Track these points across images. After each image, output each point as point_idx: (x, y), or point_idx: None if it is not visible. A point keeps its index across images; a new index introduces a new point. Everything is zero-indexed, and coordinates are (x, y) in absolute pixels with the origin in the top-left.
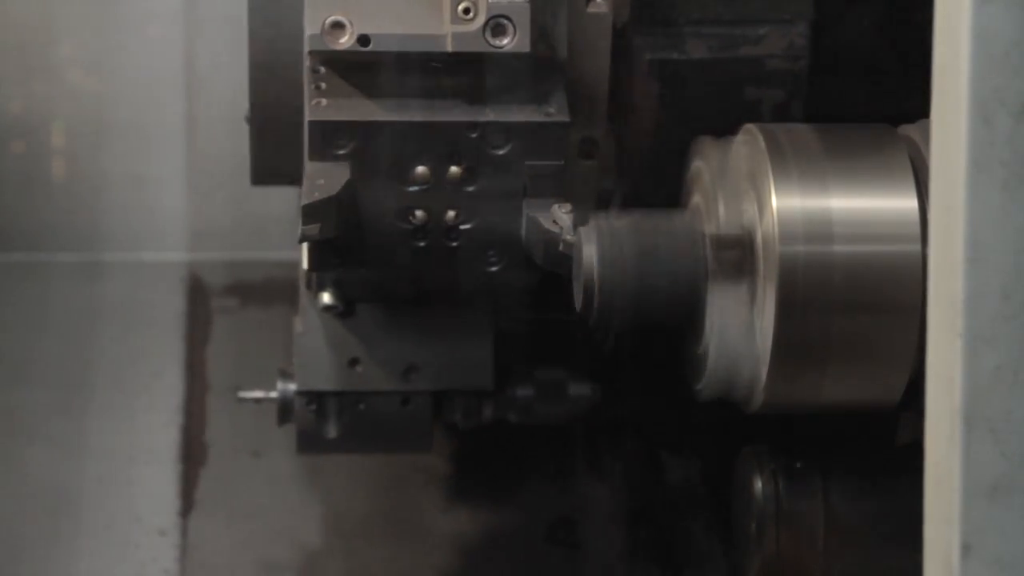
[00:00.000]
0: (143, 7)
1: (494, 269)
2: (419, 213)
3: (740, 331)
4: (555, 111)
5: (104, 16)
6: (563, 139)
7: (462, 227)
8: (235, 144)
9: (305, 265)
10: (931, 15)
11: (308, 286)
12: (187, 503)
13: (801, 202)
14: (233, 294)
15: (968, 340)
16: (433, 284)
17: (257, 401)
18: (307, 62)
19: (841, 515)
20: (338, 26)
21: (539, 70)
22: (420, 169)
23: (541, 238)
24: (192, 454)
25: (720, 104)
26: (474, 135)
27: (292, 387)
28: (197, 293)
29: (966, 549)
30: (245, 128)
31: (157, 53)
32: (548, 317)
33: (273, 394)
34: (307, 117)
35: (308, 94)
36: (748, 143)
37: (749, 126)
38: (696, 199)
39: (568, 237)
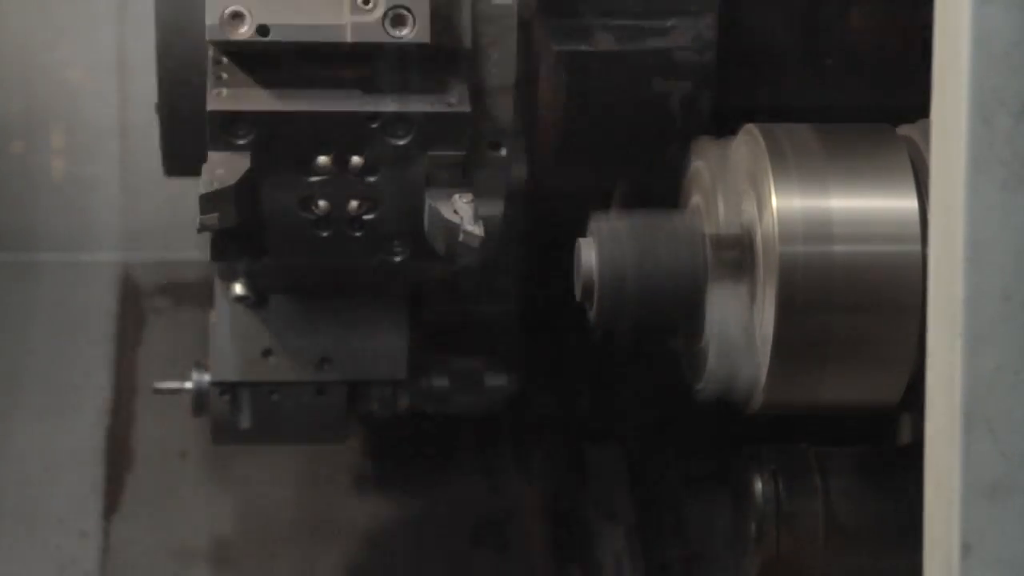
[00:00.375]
0: (78, 7)
1: (398, 259)
2: (322, 203)
3: (740, 331)
4: (456, 101)
5: (40, 15)
6: (465, 129)
7: (365, 217)
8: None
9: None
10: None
11: (221, 277)
12: (110, 505)
13: (801, 202)
14: (166, 294)
15: (968, 340)
16: (340, 274)
17: (172, 392)
18: (208, 52)
19: (841, 515)
20: (237, 16)
21: (440, 60)
22: (321, 159)
23: (442, 228)
24: (118, 456)
25: (628, 96)
26: (375, 125)
27: (207, 378)
28: (130, 293)
29: (966, 549)
30: None
31: (91, 51)
32: (474, 308)
33: (188, 385)
34: (207, 107)
35: (209, 84)
36: (748, 143)
37: (749, 126)
38: (696, 199)
39: (468, 228)
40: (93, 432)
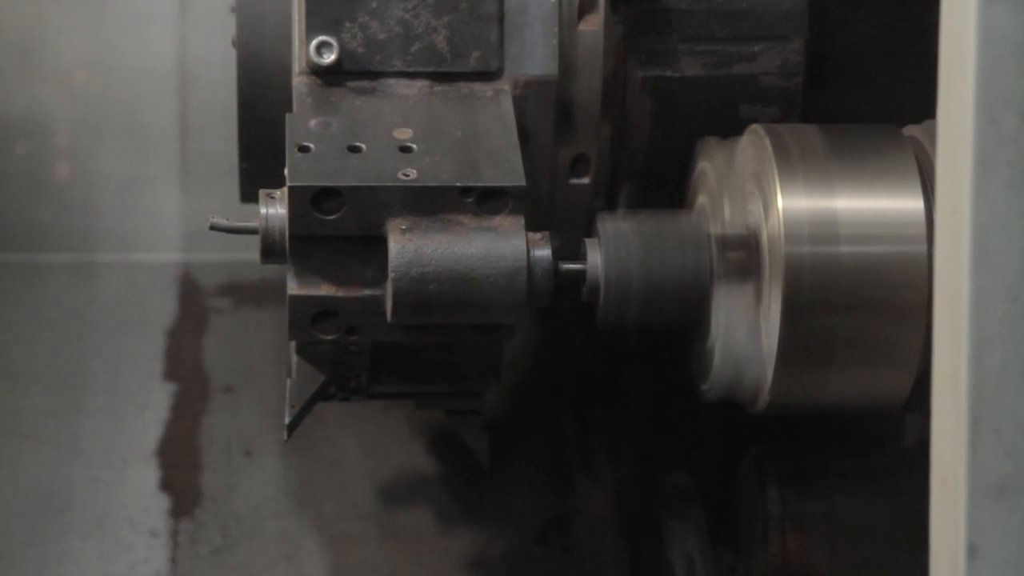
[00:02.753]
0: (139, 8)
1: None
2: None
3: (746, 332)
4: None
5: (100, 16)
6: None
7: None
8: (228, 144)
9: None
10: (930, 19)
11: None
12: (178, 504)
13: (807, 203)
14: (227, 295)
15: (974, 341)
16: None
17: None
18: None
19: (847, 516)
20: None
21: None
22: None
23: None
24: (183, 456)
25: (715, 122)
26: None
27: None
28: (190, 294)
29: (972, 550)
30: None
31: (151, 53)
32: None
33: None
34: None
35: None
36: (754, 143)
37: (755, 126)
38: (702, 200)
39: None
40: (157, 432)
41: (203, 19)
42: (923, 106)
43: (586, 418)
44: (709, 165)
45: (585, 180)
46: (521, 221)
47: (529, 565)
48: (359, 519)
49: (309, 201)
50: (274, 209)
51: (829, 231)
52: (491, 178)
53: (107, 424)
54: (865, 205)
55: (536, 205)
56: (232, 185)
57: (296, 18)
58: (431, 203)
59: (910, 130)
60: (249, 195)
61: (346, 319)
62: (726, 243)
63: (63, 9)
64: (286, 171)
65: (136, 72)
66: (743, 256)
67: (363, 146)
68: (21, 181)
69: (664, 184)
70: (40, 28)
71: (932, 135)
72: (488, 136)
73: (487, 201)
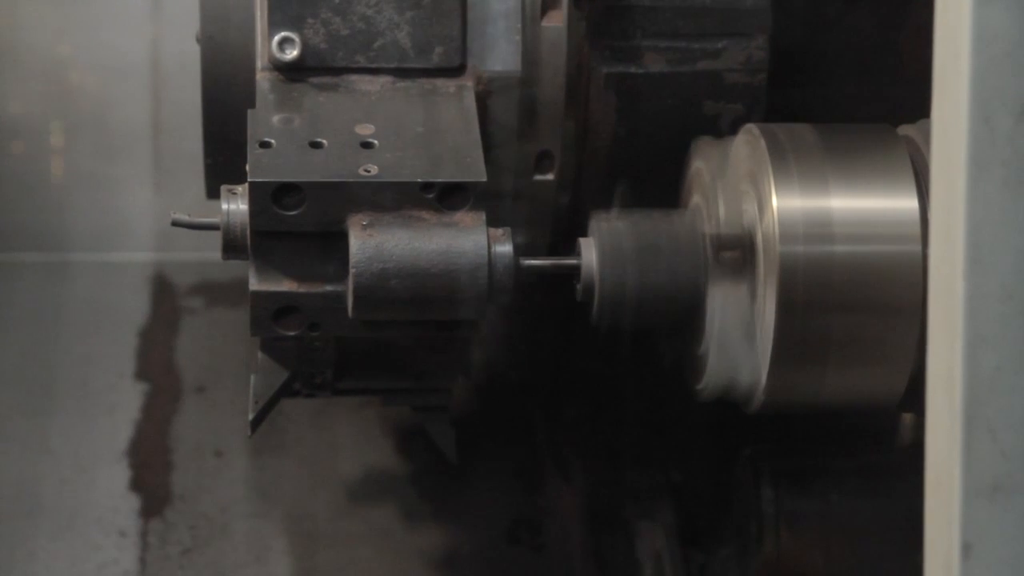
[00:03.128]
0: (111, 6)
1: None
2: None
3: (740, 331)
4: None
5: (72, 14)
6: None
7: None
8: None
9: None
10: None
11: None
12: (148, 504)
13: (801, 202)
14: (199, 294)
15: (968, 340)
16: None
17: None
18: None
19: (842, 516)
20: None
21: None
22: None
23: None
24: (154, 455)
25: (679, 118)
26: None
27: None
28: (163, 293)
29: (967, 549)
30: None
31: (123, 51)
32: None
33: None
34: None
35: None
36: (749, 143)
37: (749, 126)
38: (696, 199)
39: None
40: (128, 432)
41: (176, 17)
42: (886, 104)
43: (557, 416)
44: (704, 164)
45: (550, 176)
46: (482, 217)
47: (499, 564)
48: (329, 519)
49: (270, 197)
50: (235, 205)
51: (824, 231)
52: (452, 174)
53: (77, 424)
54: (860, 204)
55: (500, 201)
56: (204, 185)
57: (259, 14)
58: (392, 199)
59: (904, 130)
60: (214, 191)
61: (308, 315)
62: (721, 242)
63: (35, 7)
64: (247, 167)
65: (108, 70)
66: (738, 255)
67: (324, 142)
68: None
69: (629, 180)
70: (12, 26)
71: (926, 135)
72: (450, 132)
73: (448, 197)
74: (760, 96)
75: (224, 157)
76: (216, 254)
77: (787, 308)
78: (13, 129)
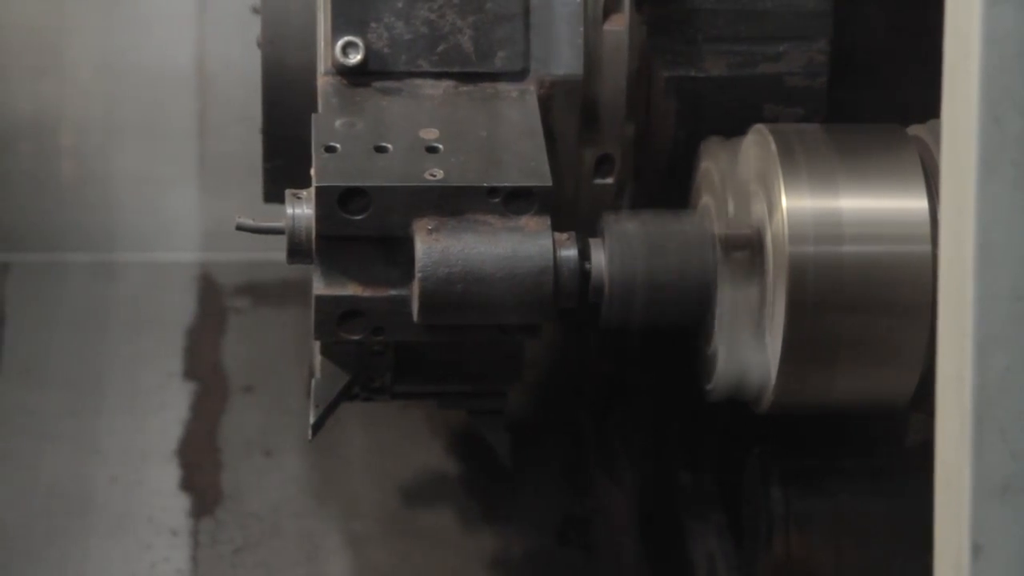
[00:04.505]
0: (157, 7)
1: None
2: None
3: (750, 332)
4: None
5: (119, 16)
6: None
7: None
8: (247, 144)
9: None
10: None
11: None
12: (199, 504)
13: (811, 202)
14: (246, 294)
15: (978, 340)
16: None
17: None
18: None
19: (851, 516)
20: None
21: None
22: None
23: None
24: (204, 455)
25: (739, 122)
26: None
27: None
28: (209, 293)
29: (976, 549)
30: (255, 126)
31: (170, 53)
32: None
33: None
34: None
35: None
36: (758, 143)
37: (759, 126)
38: (706, 199)
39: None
40: (177, 431)
41: (221, 19)
42: (931, 104)
43: (606, 418)
44: (713, 165)
45: (609, 180)
46: (547, 221)
47: (550, 565)
48: (379, 519)
49: (336, 201)
50: (301, 209)
51: (833, 231)
52: (517, 178)
53: (126, 423)
54: (869, 205)
55: (561, 205)
56: (251, 184)
57: (321, 18)
58: (457, 203)
59: (914, 130)
60: (273, 195)
61: (372, 319)
62: (730, 242)
63: (82, 9)
64: (312, 171)
65: (155, 72)
66: (747, 256)
67: (389, 146)
68: (41, 181)
69: (689, 185)
70: (59, 28)
71: (936, 135)
72: (514, 136)
73: (513, 201)
74: (820, 99)
75: (283, 161)
76: (262, 254)
77: (797, 308)
78: (61, 129)
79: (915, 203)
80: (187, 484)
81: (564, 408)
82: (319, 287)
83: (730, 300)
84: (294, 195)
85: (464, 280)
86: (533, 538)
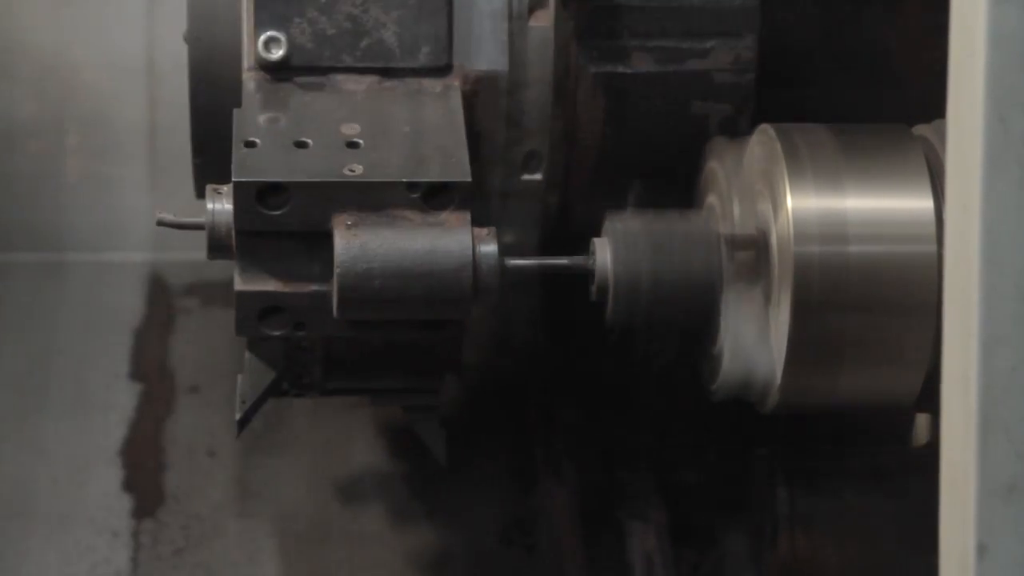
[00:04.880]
0: (107, 5)
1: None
2: None
3: (755, 331)
4: None
5: (68, 14)
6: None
7: None
8: None
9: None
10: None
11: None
12: (141, 505)
13: (816, 202)
14: (195, 294)
15: (984, 340)
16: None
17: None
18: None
19: (856, 516)
20: None
21: None
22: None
23: None
24: (148, 455)
25: (666, 118)
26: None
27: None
28: (158, 293)
29: (982, 550)
30: None
31: (119, 50)
32: None
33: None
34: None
35: None
36: (763, 143)
37: (764, 126)
38: (711, 199)
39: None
40: (122, 432)
41: (171, 16)
42: (873, 104)
43: (551, 418)
44: (718, 165)
45: (537, 176)
46: (467, 216)
47: (492, 565)
48: (321, 519)
49: (254, 196)
50: (220, 204)
51: (838, 231)
52: (437, 174)
53: (71, 424)
54: (875, 205)
55: (487, 201)
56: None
57: (245, 14)
58: (377, 198)
59: (920, 129)
60: (203, 191)
61: (293, 315)
62: (735, 243)
63: (30, 6)
64: (232, 167)
65: (104, 70)
66: (752, 256)
67: (310, 141)
68: None
69: (617, 181)
70: (7, 25)
71: (942, 134)
72: (436, 132)
73: (433, 197)
74: (749, 96)
75: (212, 157)
76: None
77: (802, 308)
78: (10, 129)
79: (920, 203)
80: (130, 485)
81: (510, 407)
82: (239, 283)
83: (735, 300)
84: (215, 190)
85: (383, 275)
86: (476, 538)
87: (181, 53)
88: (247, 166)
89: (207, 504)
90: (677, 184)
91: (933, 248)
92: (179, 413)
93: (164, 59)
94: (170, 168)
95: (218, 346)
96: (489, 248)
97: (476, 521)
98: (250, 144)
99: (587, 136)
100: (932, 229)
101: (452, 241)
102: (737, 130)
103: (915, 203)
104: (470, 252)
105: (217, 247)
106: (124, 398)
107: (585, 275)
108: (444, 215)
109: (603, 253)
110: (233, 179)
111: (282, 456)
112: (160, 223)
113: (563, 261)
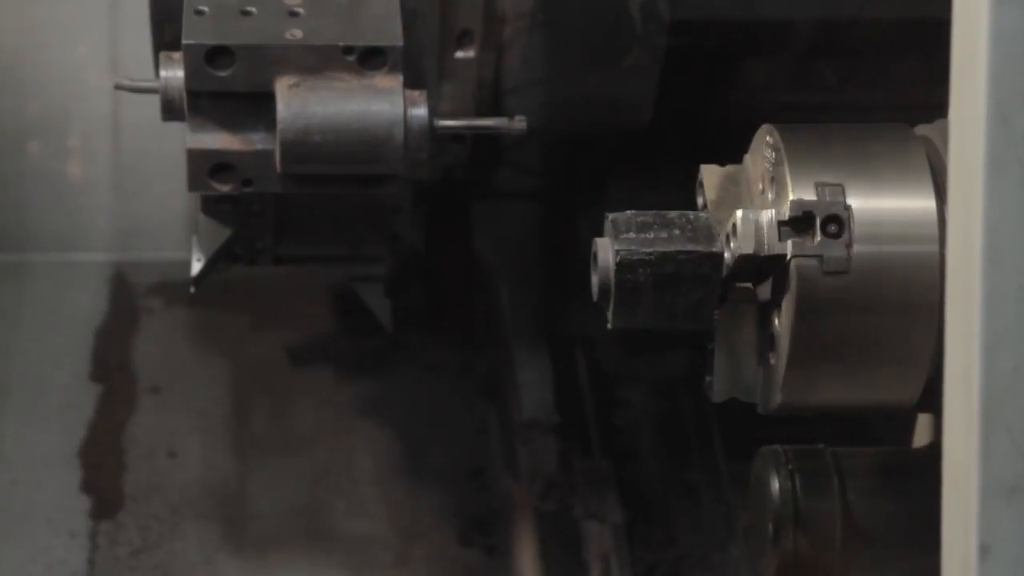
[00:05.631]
0: (68, 6)
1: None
2: None
3: (755, 332)
4: None
5: (28, 14)
6: None
7: None
8: (161, 143)
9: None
10: None
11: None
12: (99, 506)
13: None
14: (158, 295)
15: (986, 340)
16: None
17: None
18: None
19: (859, 516)
20: None
21: None
22: None
23: None
24: (108, 456)
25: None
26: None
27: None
28: (122, 294)
29: (984, 550)
30: (171, 128)
31: (83, 52)
32: None
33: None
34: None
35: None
36: (764, 143)
37: (767, 125)
38: (711, 199)
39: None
40: (81, 433)
41: (134, 16)
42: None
43: (510, 416)
44: (712, 191)
45: (471, 54)
46: (399, 78)
47: (451, 566)
48: (280, 521)
49: (203, 58)
50: (173, 70)
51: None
52: (371, 38)
53: (31, 425)
54: (876, 205)
55: (423, 78)
56: (165, 183)
57: None
58: (316, 61)
59: (922, 129)
60: None
61: (241, 171)
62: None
63: None
64: (182, 32)
65: (68, 71)
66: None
67: (254, 10)
68: None
69: (546, 60)
70: None
71: (944, 135)
72: (372, 3)
73: (368, 60)
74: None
75: (171, 37)
76: (175, 254)
77: (803, 309)
78: None
79: (923, 203)
80: (88, 486)
81: (470, 406)
82: (190, 141)
83: (736, 300)
84: (167, 56)
85: (321, 131)
86: (435, 539)
87: (145, 53)
88: (196, 30)
89: (166, 505)
90: (598, 69)
91: (935, 248)
92: (140, 414)
93: (127, 58)
94: (134, 167)
95: (181, 347)
96: (419, 109)
97: (435, 522)
98: (199, 12)
99: (514, 18)
100: (934, 229)
101: (384, 100)
102: (656, 13)
103: (917, 203)
104: (401, 110)
105: (170, 108)
106: (85, 399)
107: (507, 136)
108: (378, 77)
109: (605, 254)
110: (183, 42)
111: (242, 457)
112: (117, 87)
113: (489, 122)
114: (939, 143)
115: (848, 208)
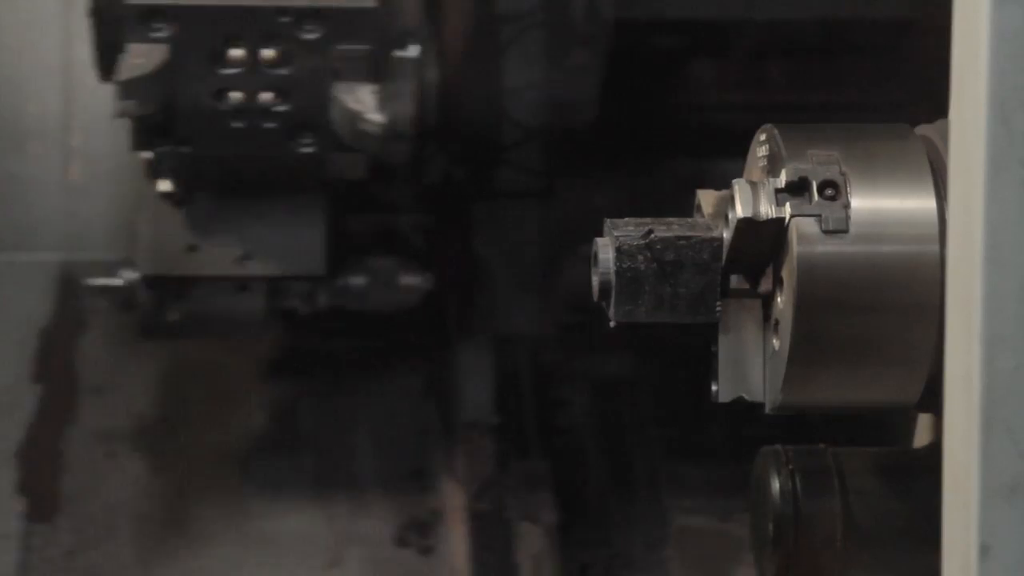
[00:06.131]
0: (20, 6)
1: (309, 150)
2: (235, 95)
3: (756, 332)
4: None
5: None
6: (372, 25)
7: (276, 109)
8: (112, 143)
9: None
10: None
11: (149, 175)
12: (35, 507)
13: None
14: (105, 295)
15: (986, 340)
16: (258, 167)
17: (103, 289)
18: None
19: (859, 516)
20: None
21: None
22: (235, 52)
23: (346, 117)
24: (45, 457)
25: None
26: (286, 20)
27: (135, 275)
28: (68, 294)
29: (984, 550)
30: (123, 126)
31: (35, 52)
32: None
33: (118, 281)
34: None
35: None
36: (765, 142)
37: (767, 125)
38: (712, 198)
39: (370, 116)
40: (19, 434)
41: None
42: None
43: (450, 419)
44: (708, 210)
45: (411, 53)
46: None
47: (386, 568)
48: (217, 522)
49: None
50: None
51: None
52: None
53: None
54: (877, 204)
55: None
56: (115, 184)
57: None
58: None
59: (922, 129)
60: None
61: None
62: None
63: None
64: None
65: (19, 70)
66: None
67: None
68: None
69: (485, 58)
70: None
71: (944, 134)
72: None
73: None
74: None
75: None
76: (124, 254)
77: (804, 308)
78: None
79: (923, 203)
80: (24, 487)
81: (410, 407)
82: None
83: (737, 300)
84: None
85: None
86: (372, 540)
87: None
88: None
89: (102, 506)
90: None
91: (936, 248)
92: (80, 415)
93: (80, 58)
94: (83, 168)
95: (126, 347)
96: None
97: (372, 523)
98: None
99: (457, 18)
100: (935, 229)
101: None
102: (600, 14)
103: (918, 203)
104: None
105: None
106: (25, 399)
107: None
108: None
109: (605, 254)
110: None
111: (181, 457)
112: None
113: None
114: (940, 143)
115: (844, 174)
